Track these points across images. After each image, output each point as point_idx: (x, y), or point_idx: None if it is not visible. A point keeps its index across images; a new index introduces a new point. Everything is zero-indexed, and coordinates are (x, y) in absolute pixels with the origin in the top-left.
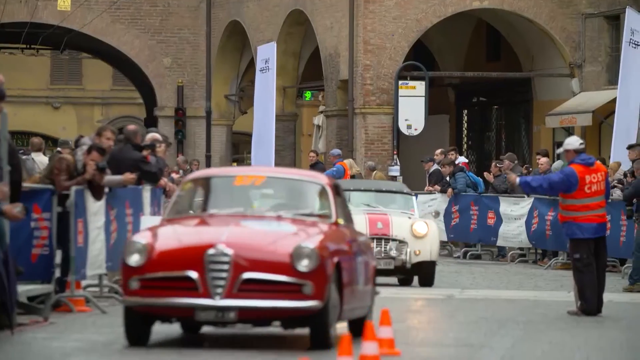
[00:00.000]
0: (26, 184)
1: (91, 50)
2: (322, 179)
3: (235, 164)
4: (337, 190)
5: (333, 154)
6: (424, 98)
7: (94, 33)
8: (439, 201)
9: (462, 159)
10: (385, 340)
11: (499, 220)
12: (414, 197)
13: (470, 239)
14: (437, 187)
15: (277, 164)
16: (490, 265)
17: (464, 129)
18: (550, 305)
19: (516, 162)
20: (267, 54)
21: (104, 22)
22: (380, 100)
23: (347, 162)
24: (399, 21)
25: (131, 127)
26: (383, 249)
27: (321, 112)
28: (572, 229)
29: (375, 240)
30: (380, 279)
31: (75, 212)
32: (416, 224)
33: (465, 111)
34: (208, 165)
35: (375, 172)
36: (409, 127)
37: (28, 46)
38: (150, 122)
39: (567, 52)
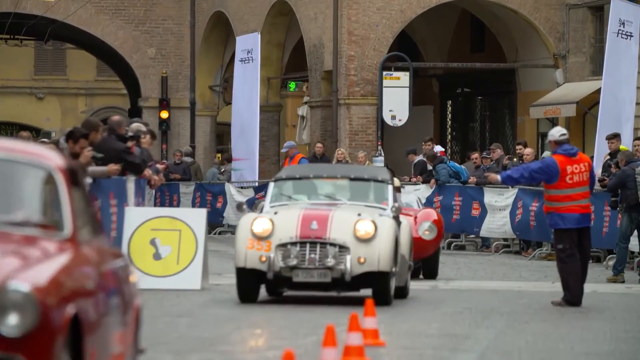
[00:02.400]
0: None
1: (75, 40)
2: (48, 158)
3: (219, 155)
4: (75, 179)
5: (289, 147)
6: (408, 89)
7: (78, 24)
8: (422, 191)
9: (438, 148)
10: (369, 330)
11: (484, 211)
12: (389, 186)
13: (453, 229)
14: (420, 178)
15: (261, 155)
16: (474, 256)
17: (448, 119)
18: (534, 296)
19: (500, 153)
20: (248, 44)
21: (88, 12)
22: (364, 91)
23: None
24: (383, 12)
25: (115, 117)
26: (317, 256)
27: (305, 102)
28: (554, 219)
29: (307, 246)
30: (317, 294)
31: None
32: (360, 223)
33: (450, 102)
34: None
35: (367, 162)
36: (393, 118)
37: (12, 36)
38: (135, 112)
39: (551, 42)
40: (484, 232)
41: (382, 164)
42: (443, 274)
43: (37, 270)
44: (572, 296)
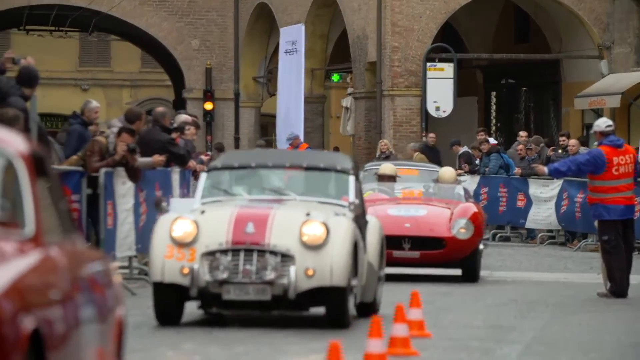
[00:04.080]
0: (57, 167)
1: (119, 32)
2: (8, 142)
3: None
4: (42, 169)
5: (292, 137)
6: (452, 80)
7: (122, 15)
8: (468, 183)
9: (491, 141)
10: (415, 322)
11: (529, 202)
12: (351, 178)
13: (500, 221)
14: (467, 167)
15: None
16: (519, 248)
17: (492, 110)
18: (579, 287)
19: (542, 144)
20: (293, 35)
21: (132, 4)
22: (408, 82)
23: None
24: (427, 3)
25: (160, 109)
26: (254, 267)
27: (349, 94)
28: (599, 210)
29: (241, 254)
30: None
31: (104, 194)
32: (307, 225)
33: (494, 93)
34: (237, 147)
35: (416, 153)
36: (437, 109)
37: (57, 28)
38: (179, 104)
39: (596, 33)
40: (529, 224)
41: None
42: (488, 266)
43: None
44: (618, 287)
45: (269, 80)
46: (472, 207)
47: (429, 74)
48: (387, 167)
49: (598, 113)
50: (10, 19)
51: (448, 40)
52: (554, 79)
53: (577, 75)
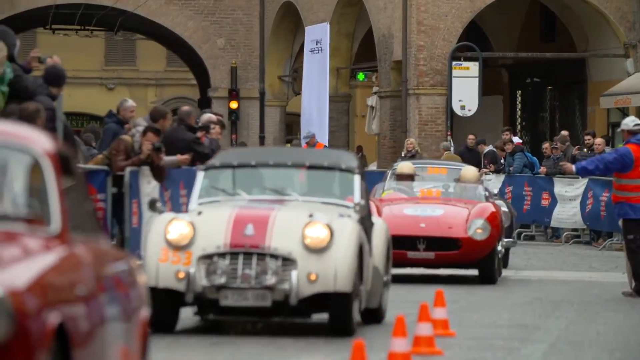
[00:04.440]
0: (82, 166)
1: (145, 31)
2: (34, 141)
3: (289, 144)
4: (67, 168)
5: (308, 135)
6: (477, 79)
7: (147, 14)
8: (493, 182)
9: (516, 139)
10: (439, 321)
11: (554, 201)
12: (356, 177)
13: (524, 220)
14: (492, 167)
15: (331, 145)
16: (544, 246)
17: (517, 109)
18: (604, 287)
19: (567, 143)
20: (318, 34)
21: (157, 3)
22: (433, 81)
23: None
24: (453, 1)
25: (185, 108)
26: (253, 272)
27: (375, 93)
28: (624, 209)
29: (240, 258)
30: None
31: (130, 193)
32: (310, 227)
33: (519, 92)
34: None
35: (445, 152)
36: (462, 108)
37: (82, 27)
38: (204, 103)
39: (622, 32)
40: (554, 222)
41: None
42: (513, 265)
43: (14, 271)
44: None
45: (295, 79)
46: (490, 207)
47: (455, 72)
48: (405, 166)
49: (624, 112)
50: (36, 18)
51: (473, 39)
52: (579, 77)
53: (603, 74)
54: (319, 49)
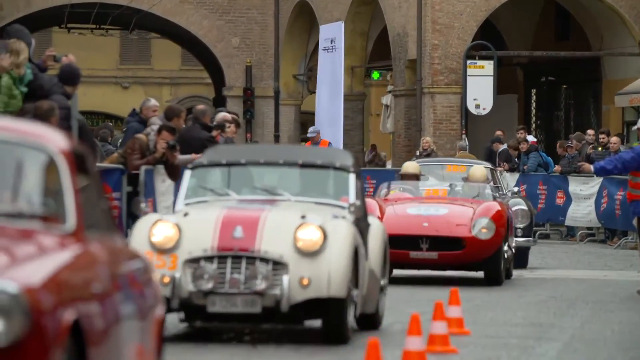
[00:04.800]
0: (98, 165)
1: (160, 30)
2: (49, 139)
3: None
4: (82, 166)
5: (314, 131)
6: (492, 77)
7: (162, 13)
8: (507, 180)
9: (531, 138)
10: (454, 319)
11: (569, 199)
12: (351, 176)
13: (538, 219)
14: (506, 165)
15: (345, 144)
16: (559, 245)
17: (532, 108)
18: (620, 285)
19: (584, 142)
20: (332, 33)
21: (172, 2)
22: (448, 79)
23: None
24: (467, 0)
25: (200, 106)
26: (243, 276)
27: (389, 91)
28: (639, 207)
29: (228, 262)
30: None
31: (144, 192)
32: (302, 229)
33: (534, 91)
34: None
35: (460, 152)
36: (477, 106)
37: (97, 26)
38: (219, 102)
39: (637, 30)
40: (568, 221)
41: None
42: (528, 263)
43: (29, 268)
44: None
45: (309, 77)
46: (495, 206)
47: (469, 71)
48: (410, 166)
49: (638, 110)
50: (51, 17)
51: (488, 38)
52: (594, 76)
53: (618, 72)
54: (333, 47)
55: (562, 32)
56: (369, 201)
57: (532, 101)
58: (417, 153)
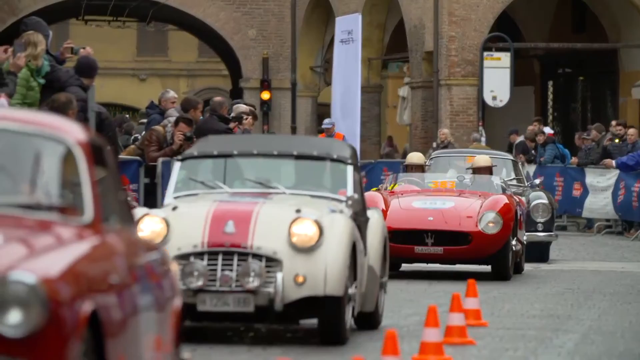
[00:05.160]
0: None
1: (177, 22)
2: (67, 131)
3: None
4: (100, 158)
5: (329, 124)
6: (509, 69)
7: (179, 5)
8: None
9: (547, 130)
10: (471, 311)
11: (586, 191)
12: (349, 168)
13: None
14: (522, 157)
15: (362, 136)
16: (576, 237)
17: (549, 100)
18: (637, 277)
19: (603, 133)
20: (349, 25)
21: None
22: (465, 71)
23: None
24: None
25: (218, 98)
26: (234, 274)
27: (406, 83)
28: None
29: (219, 258)
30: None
31: (162, 183)
32: (297, 224)
33: (551, 82)
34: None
35: (474, 143)
36: (494, 98)
37: (115, 18)
38: (236, 93)
39: None
40: (585, 213)
41: (484, 144)
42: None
43: (47, 259)
44: None
45: (326, 69)
46: (503, 200)
47: (486, 63)
48: (414, 156)
49: None
50: (68, 9)
51: (505, 30)
52: (611, 68)
53: (635, 64)
54: (350, 39)
55: (579, 24)
56: (372, 194)
57: (549, 93)
58: (434, 145)
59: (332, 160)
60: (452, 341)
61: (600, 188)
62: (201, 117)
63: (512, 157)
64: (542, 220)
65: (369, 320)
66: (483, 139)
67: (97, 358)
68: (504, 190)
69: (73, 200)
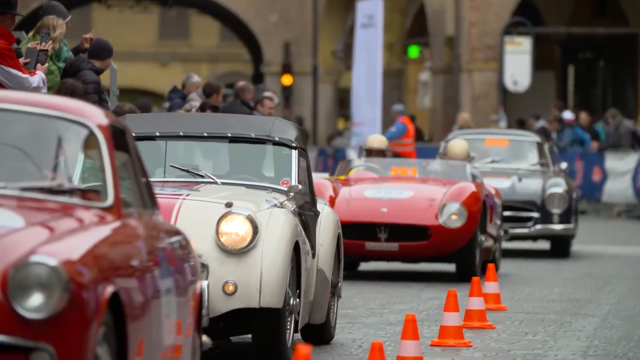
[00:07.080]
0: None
1: (199, 6)
2: (88, 115)
3: (341, 120)
4: (121, 142)
5: (395, 110)
6: (529, 54)
7: None
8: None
9: (568, 115)
10: (491, 295)
11: (605, 176)
12: (294, 152)
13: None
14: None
15: (383, 120)
16: (595, 222)
17: (569, 85)
18: None
19: (617, 117)
20: (370, 9)
21: None
22: (486, 56)
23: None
24: None
25: (241, 83)
26: None
27: (427, 68)
28: None
29: None
30: None
31: None
32: (227, 220)
33: (571, 67)
34: (315, 122)
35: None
36: (514, 83)
37: (137, 2)
38: (257, 78)
39: None
40: (605, 197)
41: (504, 127)
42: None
43: (68, 242)
44: None
45: (347, 54)
46: (470, 188)
47: (507, 48)
48: (375, 140)
49: None
50: None
51: (526, 15)
52: (632, 53)
53: None
54: (371, 24)
55: (600, 9)
56: (320, 182)
57: (569, 78)
58: (453, 129)
59: (274, 143)
60: (471, 325)
61: (620, 172)
62: (222, 102)
63: (537, 139)
64: (558, 211)
65: (318, 334)
66: (503, 122)
67: (118, 341)
68: (474, 178)
69: (95, 184)
